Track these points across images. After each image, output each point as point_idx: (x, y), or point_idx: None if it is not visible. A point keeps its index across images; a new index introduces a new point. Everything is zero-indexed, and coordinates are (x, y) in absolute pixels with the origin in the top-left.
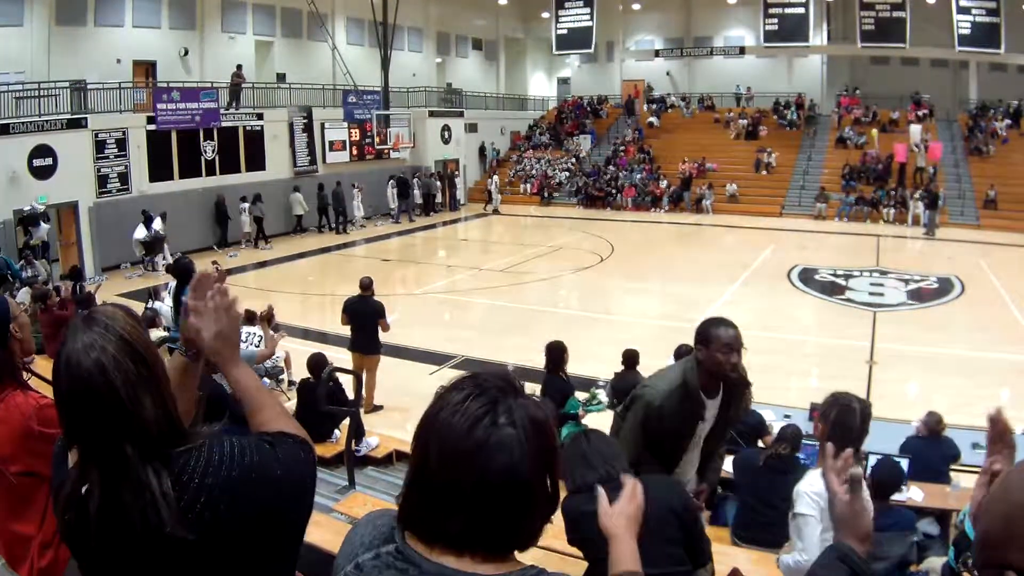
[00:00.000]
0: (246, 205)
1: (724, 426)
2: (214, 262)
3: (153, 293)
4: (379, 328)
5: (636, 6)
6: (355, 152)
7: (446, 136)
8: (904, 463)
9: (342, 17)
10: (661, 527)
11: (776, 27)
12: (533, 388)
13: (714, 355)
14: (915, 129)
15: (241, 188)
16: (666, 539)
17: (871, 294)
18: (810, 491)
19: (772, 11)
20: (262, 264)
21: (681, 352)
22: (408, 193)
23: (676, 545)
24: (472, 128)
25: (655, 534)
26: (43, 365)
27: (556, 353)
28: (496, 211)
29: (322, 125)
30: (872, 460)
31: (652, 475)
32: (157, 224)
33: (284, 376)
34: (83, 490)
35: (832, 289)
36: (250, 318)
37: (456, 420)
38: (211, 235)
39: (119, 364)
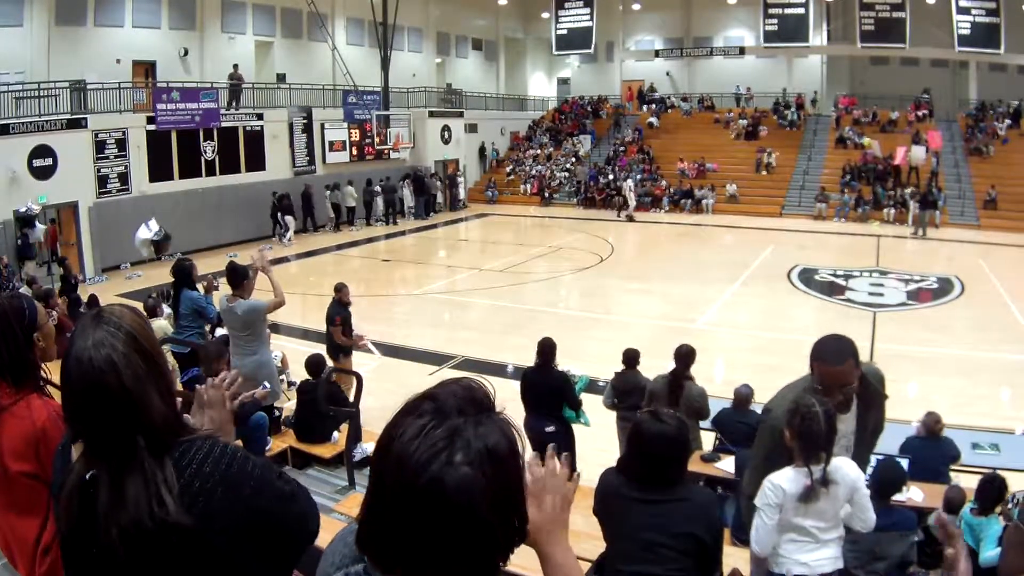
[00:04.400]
0: (334, 192)
1: (869, 436)
2: (260, 248)
3: (164, 295)
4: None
5: (636, 6)
6: (355, 152)
7: (446, 136)
8: (904, 463)
9: (342, 17)
10: (677, 540)
11: (776, 27)
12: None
13: (824, 377)
14: (917, 151)
15: (241, 188)
16: (680, 550)
17: (871, 294)
18: (768, 485)
19: (772, 11)
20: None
21: (681, 352)
22: (424, 191)
23: (688, 556)
24: (472, 128)
25: (668, 535)
26: (51, 367)
27: (549, 349)
28: (631, 218)
29: (322, 125)
30: (873, 460)
31: (696, 488)
32: (153, 223)
33: (283, 376)
34: (88, 475)
35: (832, 289)
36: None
37: (411, 454)
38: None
39: (129, 360)
